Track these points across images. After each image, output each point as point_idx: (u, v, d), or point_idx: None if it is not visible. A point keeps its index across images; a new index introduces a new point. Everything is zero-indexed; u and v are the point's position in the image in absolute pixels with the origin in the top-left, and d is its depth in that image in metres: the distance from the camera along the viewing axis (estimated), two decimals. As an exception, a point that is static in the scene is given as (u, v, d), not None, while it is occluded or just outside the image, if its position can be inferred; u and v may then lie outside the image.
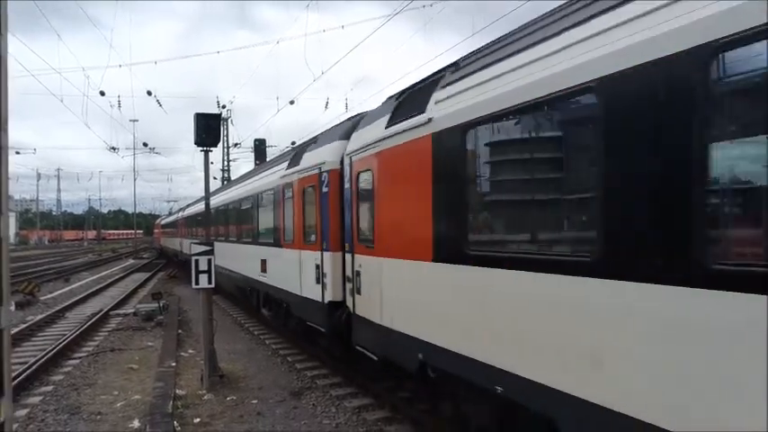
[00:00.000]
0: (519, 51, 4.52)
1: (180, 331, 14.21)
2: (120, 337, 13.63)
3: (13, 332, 13.49)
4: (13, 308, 17.73)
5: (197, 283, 9.18)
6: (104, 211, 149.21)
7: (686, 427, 2.97)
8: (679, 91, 3.11)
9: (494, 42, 5.35)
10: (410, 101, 6.49)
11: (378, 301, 6.96)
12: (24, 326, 14.58)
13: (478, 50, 5.58)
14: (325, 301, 8.74)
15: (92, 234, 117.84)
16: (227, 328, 14.34)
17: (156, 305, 16.40)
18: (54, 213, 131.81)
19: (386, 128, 6.75)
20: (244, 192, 15.60)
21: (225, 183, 35.27)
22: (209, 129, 9.47)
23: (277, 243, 11.78)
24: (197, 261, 9.12)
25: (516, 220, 4.97)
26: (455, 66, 5.73)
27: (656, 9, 3.27)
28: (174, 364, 10.64)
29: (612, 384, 3.49)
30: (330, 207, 8.80)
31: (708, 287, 2.84)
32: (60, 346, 11.94)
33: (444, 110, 5.41)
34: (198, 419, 7.71)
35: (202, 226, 18.49)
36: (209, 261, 9.17)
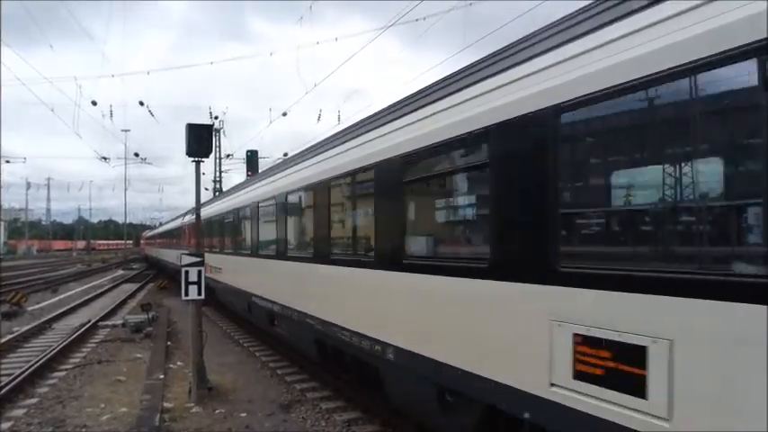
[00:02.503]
0: (226, 196, 18.63)
1: (169, 343, 14.06)
2: (108, 349, 13.46)
3: (-2, 343, 13.32)
4: (-1, 318, 17.48)
5: (186, 294, 9.10)
6: (94, 220, 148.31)
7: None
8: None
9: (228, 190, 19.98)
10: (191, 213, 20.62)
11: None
12: (11, 336, 14.36)
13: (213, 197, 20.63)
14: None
15: (81, 244, 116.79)
16: (216, 340, 14.21)
17: (145, 316, 16.21)
18: (43, 223, 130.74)
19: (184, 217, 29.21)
20: (171, 226, 36.50)
21: (215, 194, 35.24)
22: (200, 139, 9.45)
23: (184, 247, 24.60)
24: (187, 272, 9.04)
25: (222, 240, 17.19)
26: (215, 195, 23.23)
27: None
28: (162, 376, 10.51)
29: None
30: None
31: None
32: (46, 357, 11.76)
33: (206, 210, 18.32)
34: (185, 433, 7.61)
35: (170, 239, 36.10)
36: (200, 272, 9.10)
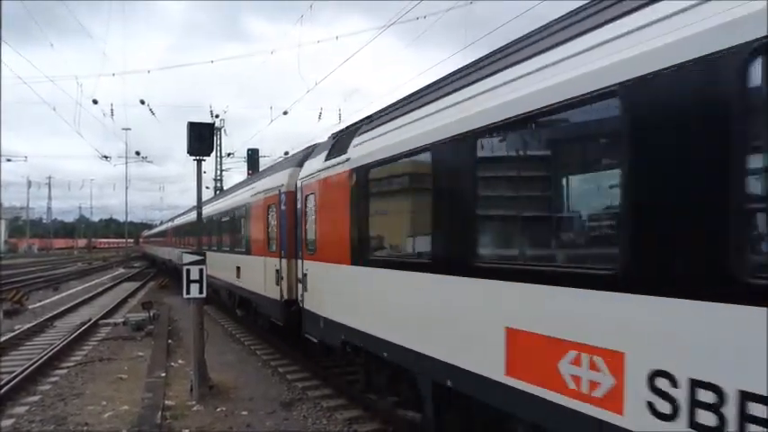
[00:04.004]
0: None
1: (170, 341, 14.08)
2: (110, 347, 13.48)
3: (0, 340, 13.34)
4: (0, 316, 17.53)
5: (188, 292, 9.11)
6: (95, 219, 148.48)
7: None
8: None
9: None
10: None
11: None
12: (12, 334, 14.40)
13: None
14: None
15: (82, 242, 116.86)
16: (218, 339, 14.23)
17: (146, 315, 16.25)
18: (44, 221, 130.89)
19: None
20: (160, 229, 49.34)
21: (217, 192, 35.30)
22: (202, 138, 9.45)
23: (168, 245, 36.06)
24: (188, 270, 9.05)
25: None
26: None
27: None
28: (163, 374, 10.53)
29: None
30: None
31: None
32: (48, 355, 11.79)
33: (174, 222, 36.92)
34: (187, 431, 7.63)
35: (160, 238, 45.66)
36: (201, 271, 9.10)
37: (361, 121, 8.00)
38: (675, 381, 2.93)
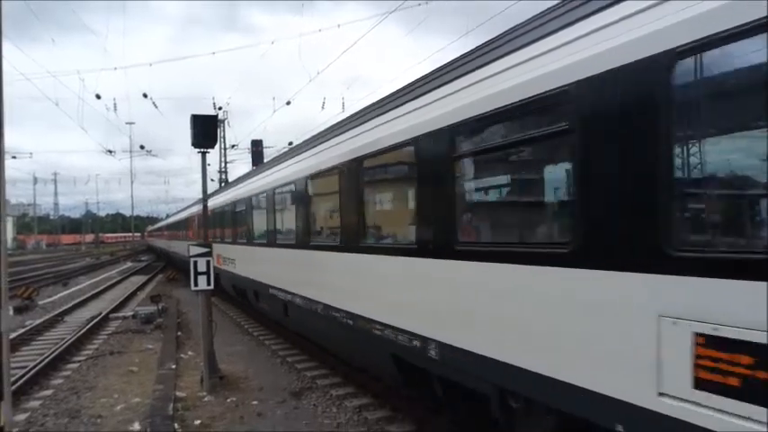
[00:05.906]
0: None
1: (179, 333, 14.19)
2: (120, 340, 13.61)
3: (12, 336, 13.47)
4: (11, 312, 17.69)
5: (196, 284, 9.16)
6: (102, 214, 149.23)
7: None
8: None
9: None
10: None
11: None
12: (23, 330, 14.55)
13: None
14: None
15: (90, 238, 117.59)
16: (226, 330, 14.33)
17: (155, 308, 16.36)
18: (51, 217, 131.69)
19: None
20: (159, 225, 63.81)
21: (222, 184, 35.38)
22: (205, 130, 9.45)
23: (164, 238, 47.32)
24: (196, 263, 9.09)
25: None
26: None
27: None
28: (173, 366, 10.63)
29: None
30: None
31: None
32: (60, 349, 11.92)
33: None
34: (198, 421, 7.71)
35: (159, 232, 56.89)
36: (209, 263, 9.14)
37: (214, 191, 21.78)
38: (231, 259, 15.73)
